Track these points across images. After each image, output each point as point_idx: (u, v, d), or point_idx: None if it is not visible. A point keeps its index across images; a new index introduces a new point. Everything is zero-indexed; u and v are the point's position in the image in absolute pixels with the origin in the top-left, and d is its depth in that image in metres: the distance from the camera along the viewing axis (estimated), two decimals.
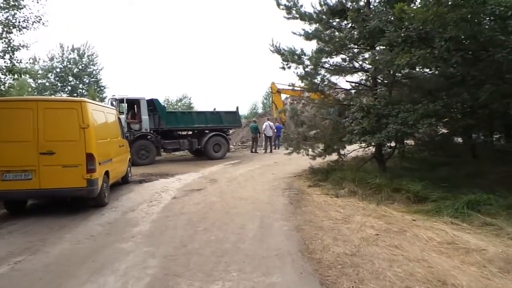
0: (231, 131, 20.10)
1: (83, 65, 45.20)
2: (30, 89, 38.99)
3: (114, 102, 13.96)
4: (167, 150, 15.48)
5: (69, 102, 7.02)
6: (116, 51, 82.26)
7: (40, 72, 42.37)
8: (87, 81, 45.56)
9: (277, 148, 20.08)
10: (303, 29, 9.81)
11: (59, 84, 44.41)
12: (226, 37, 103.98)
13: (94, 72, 46.23)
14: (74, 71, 44.54)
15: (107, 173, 7.49)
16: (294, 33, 10.15)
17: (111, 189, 8.29)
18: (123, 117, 13.48)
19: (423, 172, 8.49)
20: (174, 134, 15.72)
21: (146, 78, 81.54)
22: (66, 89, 44.53)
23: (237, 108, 17.25)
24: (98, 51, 51.31)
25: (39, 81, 43.05)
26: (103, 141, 7.45)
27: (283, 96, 27.07)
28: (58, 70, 43.98)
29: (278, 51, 9.52)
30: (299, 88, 27.55)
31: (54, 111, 6.57)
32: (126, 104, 14.07)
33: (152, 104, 14.77)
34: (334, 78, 10.16)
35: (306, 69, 9.59)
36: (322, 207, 6.81)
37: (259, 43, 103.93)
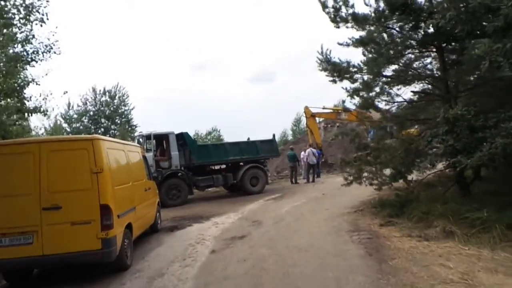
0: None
1: (114, 107, 46.02)
2: (64, 133, 39.73)
3: (141, 139, 12.85)
4: (200, 187, 14.02)
5: (78, 142, 5.70)
6: (143, 89, 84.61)
7: (75, 116, 43.59)
8: (118, 121, 46.21)
9: (318, 176, 18.15)
10: (352, 36, 8.29)
11: (92, 127, 45.24)
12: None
13: (125, 112, 46.94)
14: (107, 113, 45.36)
15: (129, 226, 6.03)
16: (341, 44, 8.62)
17: (136, 243, 6.83)
18: (150, 154, 12.28)
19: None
20: (207, 169, 14.30)
21: (174, 113, 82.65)
22: (99, 131, 45.23)
23: (274, 136, 15.77)
24: (129, 91, 52.36)
25: (74, 125, 44.12)
26: (123, 186, 6.04)
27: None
28: (91, 113, 44.96)
29: (327, 61, 7.98)
30: (331, 111, 25.91)
31: (60, 154, 5.24)
32: (153, 140, 12.90)
33: (182, 138, 13.53)
34: (394, 89, 8.48)
35: (360, 81, 7.99)
36: (416, 259, 4.92)
37: (281, 66, 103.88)
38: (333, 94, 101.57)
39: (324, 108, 25.90)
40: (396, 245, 5.67)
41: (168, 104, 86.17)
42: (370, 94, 8.46)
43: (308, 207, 10.06)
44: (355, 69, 8.47)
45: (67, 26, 61.90)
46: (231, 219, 9.52)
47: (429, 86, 8.69)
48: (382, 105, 8.97)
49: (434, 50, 8.01)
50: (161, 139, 13.49)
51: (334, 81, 8.24)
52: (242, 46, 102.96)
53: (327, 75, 8.94)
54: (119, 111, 46.43)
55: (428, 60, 8.87)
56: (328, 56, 8.06)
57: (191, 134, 14.44)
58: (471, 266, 4.49)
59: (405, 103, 8.91)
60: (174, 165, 12.93)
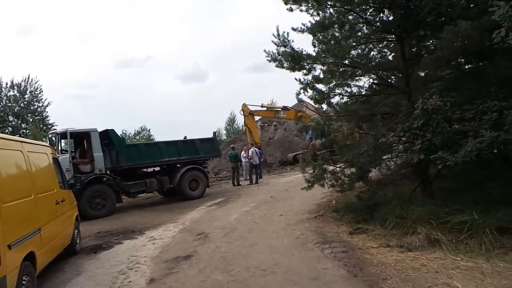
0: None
1: (25, 103, 40.34)
2: None
3: (54, 139, 10.53)
4: (130, 193, 12.03)
5: None
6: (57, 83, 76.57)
7: None
8: (31, 119, 40.63)
9: (260, 177, 17.20)
10: (309, 21, 7.36)
11: None
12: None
13: (38, 109, 41.45)
14: (15, 110, 39.58)
15: (30, 256, 4.29)
16: (295, 29, 7.64)
17: (45, 273, 5.08)
18: (66, 156, 10.09)
19: (473, 191, 6.12)
20: (138, 173, 12.37)
21: (98, 112, 76.04)
22: (7, 131, 39.25)
23: (215, 134, 14.37)
24: (43, 85, 46.31)
25: None
26: (19, 201, 4.26)
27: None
28: None
29: (285, 45, 6.90)
30: (277, 108, 25.31)
31: None
32: (70, 140, 10.67)
33: (107, 136, 11.47)
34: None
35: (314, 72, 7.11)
36: (412, 278, 4.05)
37: (216, 63, 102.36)
38: (263, 95, 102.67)
39: (262, 106, 25.22)
40: (379, 259, 4.77)
41: (92, 102, 79.41)
42: (327, 85, 7.65)
43: (259, 213, 8.92)
44: (310, 59, 7.60)
45: None
46: (170, 231, 7.99)
47: (388, 79, 8.11)
48: (334, 100, 8.27)
49: (394, 39, 7.45)
50: (80, 138, 11.29)
51: (292, 69, 7.21)
52: (172, 43, 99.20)
53: (278, 65, 7.98)
54: (31, 107, 40.91)
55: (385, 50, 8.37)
56: (286, 40, 7.00)
57: (118, 133, 12.34)
58: (480, 284, 3.72)
59: (356, 98, 8.22)
60: (97, 169, 10.84)
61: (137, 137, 54.59)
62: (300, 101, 7.61)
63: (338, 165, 6.85)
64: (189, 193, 12.65)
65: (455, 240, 4.95)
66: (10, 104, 39.48)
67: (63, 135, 10.57)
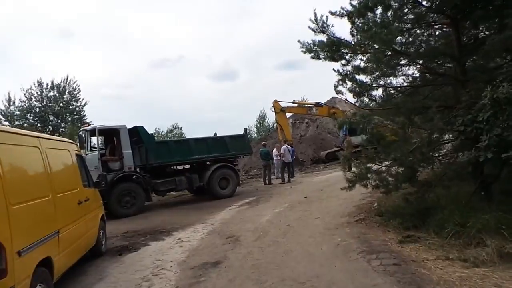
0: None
1: (64, 103, 41.81)
2: None
3: (83, 135, 10.41)
4: (159, 192, 11.77)
5: None
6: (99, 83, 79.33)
7: (17, 112, 38.89)
8: (69, 118, 42.08)
9: (293, 175, 16.50)
10: (350, 2, 6.62)
11: (39, 125, 40.74)
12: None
13: (77, 108, 42.85)
14: (55, 110, 41.10)
15: (46, 263, 3.92)
16: (333, 13, 6.92)
17: (69, 274, 4.78)
18: (94, 154, 9.94)
19: None
20: (168, 171, 12.08)
21: (133, 111, 78.15)
22: (47, 129, 40.87)
23: (246, 130, 13.83)
24: (81, 86, 47.89)
25: (16, 122, 39.48)
26: (33, 202, 3.91)
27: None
28: (37, 109, 40.48)
29: (323, 31, 6.25)
30: (309, 105, 24.46)
31: None
32: (99, 137, 10.52)
33: (136, 133, 11.25)
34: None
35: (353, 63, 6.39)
36: None
37: (247, 63, 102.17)
38: (294, 93, 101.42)
39: (294, 102, 24.42)
40: (439, 275, 4.01)
41: (126, 102, 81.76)
42: (371, 75, 6.90)
43: (293, 214, 8.29)
44: (350, 48, 6.88)
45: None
46: (199, 233, 7.55)
47: (438, 68, 7.22)
48: (377, 92, 7.48)
49: (448, 21, 6.55)
50: (110, 135, 11.14)
51: (333, 58, 6.52)
52: (203, 42, 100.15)
53: (314, 57, 7.32)
54: (70, 107, 42.33)
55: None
56: (325, 25, 6.32)
57: (151, 131, 12.10)
58: None
59: (403, 89, 7.36)
60: (126, 166, 10.63)
61: (170, 135, 55.38)
62: (339, 92, 6.83)
63: (383, 164, 6.08)
64: (219, 192, 12.23)
65: None
66: (50, 104, 40.96)
67: (92, 132, 10.44)
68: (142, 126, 11.27)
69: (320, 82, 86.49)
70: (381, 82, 7.25)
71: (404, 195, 6.55)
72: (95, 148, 10.43)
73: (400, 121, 5.38)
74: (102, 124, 10.77)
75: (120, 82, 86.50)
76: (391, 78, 6.99)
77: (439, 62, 7.17)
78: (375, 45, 5.89)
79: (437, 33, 7.64)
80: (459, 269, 4.15)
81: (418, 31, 7.29)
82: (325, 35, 6.41)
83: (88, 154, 10.03)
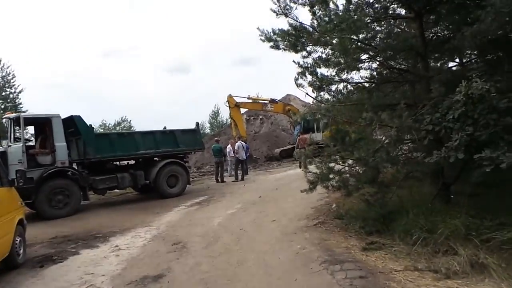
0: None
1: None
2: None
3: (6, 124, 8.93)
4: (99, 190, 10.55)
5: None
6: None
7: None
8: (2, 106, 38.04)
9: (246, 173, 15.91)
10: None
11: None
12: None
13: (11, 95, 38.87)
14: None
15: None
16: (295, 2, 6.37)
17: None
18: (18, 146, 8.56)
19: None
20: (109, 166, 10.89)
21: (78, 101, 72.97)
22: None
23: (197, 124, 12.92)
24: (16, 71, 43.49)
25: None
26: None
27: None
28: None
29: (286, 13, 5.63)
30: (264, 101, 24.02)
31: None
32: (27, 127, 9.11)
33: (73, 124, 9.95)
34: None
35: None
36: None
37: (203, 56, 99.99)
38: (249, 89, 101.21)
39: (249, 98, 23.86)
40: None
41: (72, 92, 76.27)
42: (334, 68, 6.46)
43: (247, 216, 7.65)
44: (313, 36, 6.37)
45: None
46: (140, 238, 6.64)
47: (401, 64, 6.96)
48: (337, 86, 7.10)
49: (412, 15, 6.27)
50: (41, 125, 9.70)
51: (294, 47, 5.97)
52: (156, 34, 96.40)
53: (273, 46, 6.77)
54: (2, 93, 38.30)
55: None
56: (288, 6, 5.72)
57: (97, 124, 10.84)
58: None
59: (368, 83, 7.04)
60: (59, 161, 9.33)
61: (117, 128, 52.29)
62: (299, 86, 6.32)
63: (346, 164, 5.63)
64: (167, 191, 11.27)
65: (503, 263, 3.81)
66: None
67: (16, 120, 8.97)
68: (79, 116, 9.97)
69: (275, 79, 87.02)
70: (344, 76, 6.90)
71: (363, 196, 6.18)
72: (20, 139, 8.98)
73: (368, 117, 4.93)
74: (29, 113, 9.33)
75: (68, 70, 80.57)
76: (355, 72, 6.60)
77: (402, 58, 6.93)
78: (341, 34, 5.38)
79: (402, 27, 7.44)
80: (431, 281, 3.77)
81: (383, 24, 7.00)
82: (287, 18, 5.81)
83: (10, 145, 8.62)
